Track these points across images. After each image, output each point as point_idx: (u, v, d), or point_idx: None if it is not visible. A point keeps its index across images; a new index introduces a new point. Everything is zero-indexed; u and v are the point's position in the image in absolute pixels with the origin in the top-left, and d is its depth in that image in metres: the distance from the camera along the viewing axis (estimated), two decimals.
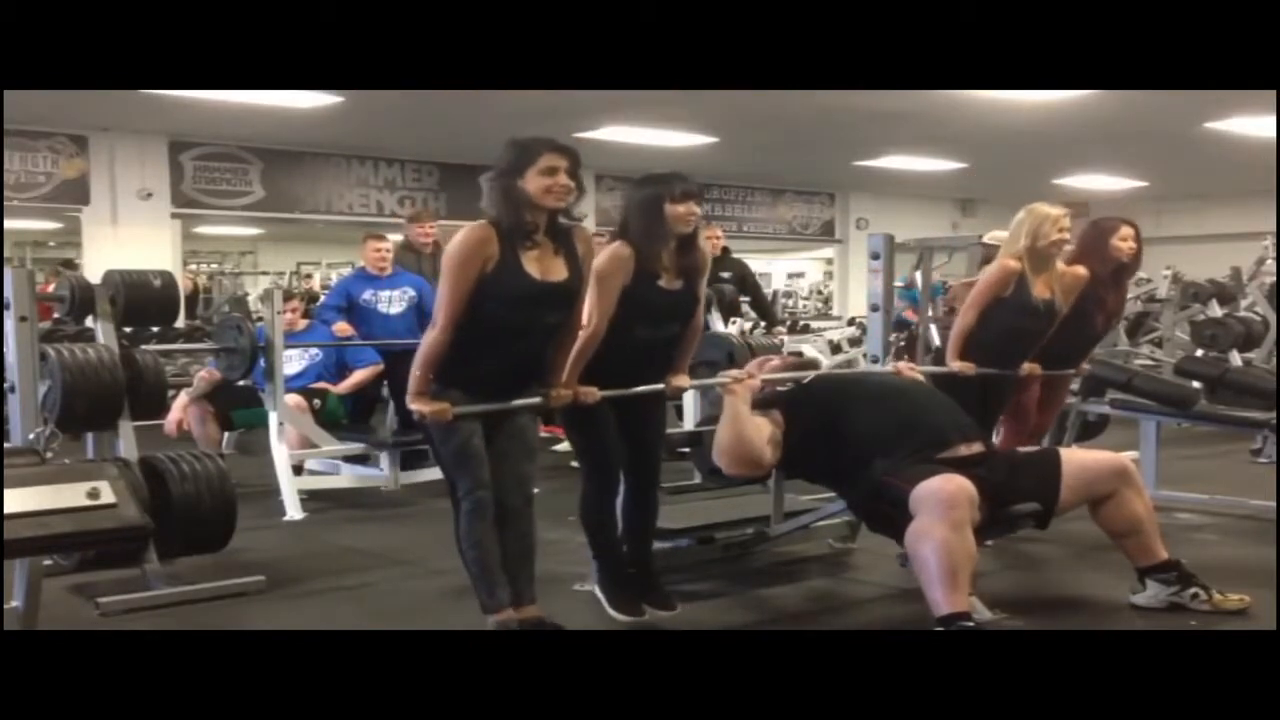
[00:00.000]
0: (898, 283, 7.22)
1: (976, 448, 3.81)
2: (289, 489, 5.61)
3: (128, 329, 5.64)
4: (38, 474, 3.42)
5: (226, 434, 6.60)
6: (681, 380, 3.77)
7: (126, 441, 4.23)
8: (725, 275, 7.26)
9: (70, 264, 12.32)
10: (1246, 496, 5.46)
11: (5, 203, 9.49)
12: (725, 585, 4.25)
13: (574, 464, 6.06)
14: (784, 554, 4.63)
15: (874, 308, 4.82)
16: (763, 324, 8.37)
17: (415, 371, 3.26)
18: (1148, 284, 10.02)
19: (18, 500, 3.20)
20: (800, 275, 20.52)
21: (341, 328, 6.51)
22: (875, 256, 4.74)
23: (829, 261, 17.84)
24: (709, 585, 4.22)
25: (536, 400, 3.42)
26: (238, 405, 6.30)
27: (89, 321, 4.73)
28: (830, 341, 11.47)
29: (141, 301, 4.67)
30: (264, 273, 17.51)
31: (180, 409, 6.34)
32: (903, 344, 8.19)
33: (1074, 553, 4.56)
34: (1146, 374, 6.05)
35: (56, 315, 5.45)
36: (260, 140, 10.98)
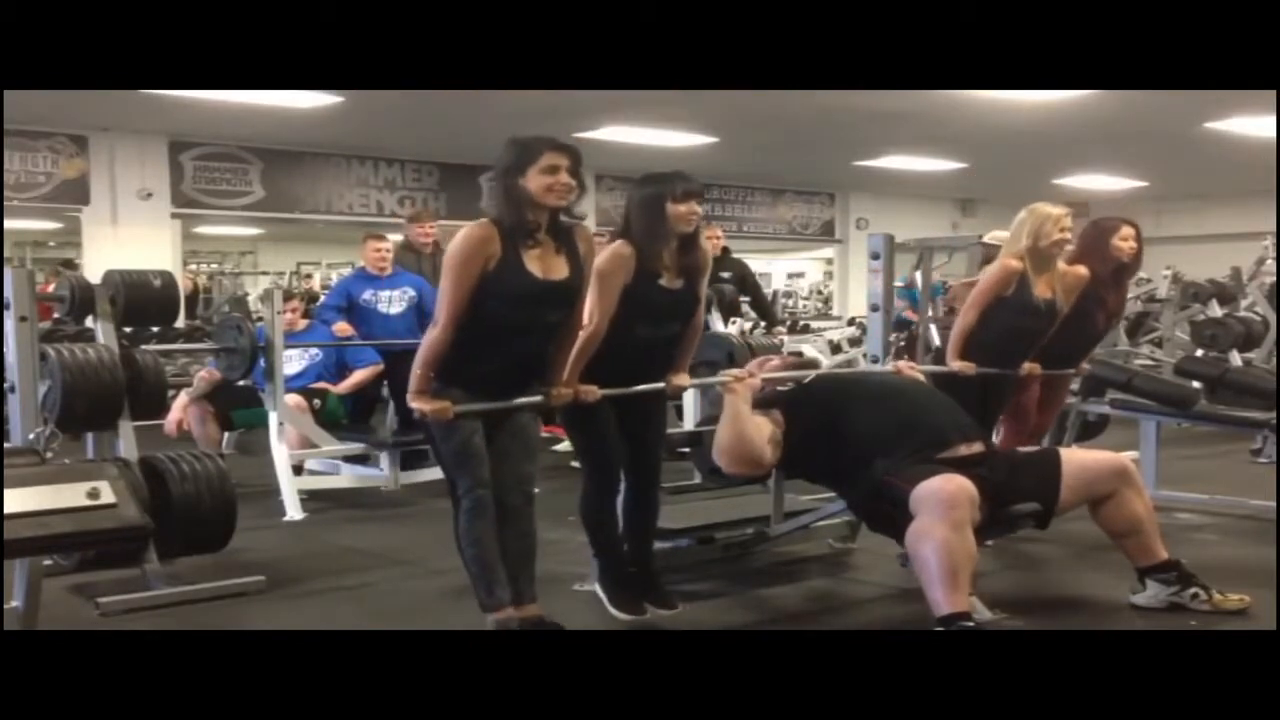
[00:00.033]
0: (898, 283, 7.22)
1: (977, 448, 3.81)
2: (289, 489, 5.61)
3: (128, 329, 5.64)
4: (38, 474, 3.42)
5: (226, 434, 6.60)
6: (682, 379, 3.77)
7: (126, 441, 4.23)
8: (725, 275, 7.26)
9: (70, 264, 12.32)
10: (1246, 496, 5.46)
11: (5, 203, 9.49)
12: (725, 585, 4.25)
13: (574, 464, 6.07)
14: (784, 554, 4.63)
15: (874, 308, 4.82)
16: (763, 324, 8.37)
17: (416, 370, 3.26)
18: (1148, 284, 10.02)
19: (18, 500, 3.20)
20: (800, 275, 20.52)
21: (341, 328, 6.51)
22: (875, 256, 4.74)
23: (829, 261, 17.84)
24: (709, 585, 4.22)
25: (537, 399, 3.42)
26: (238, 405, 6.30)
27: (89, 321, 4.73)
28: (830, 341, 11.48)
29: (141, 301, 4.67)
30: (264, 273, 17.51)
31: (180, 409, 6.34)
32: (903, 344, 8.19)
33: (1074, 553, 4.56)
34: (1146, 374, 6.05)
35: (56, 315, 5.45)
36: (260, 140, 10.98)
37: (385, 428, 6.65)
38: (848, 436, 3.79)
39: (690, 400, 6.00)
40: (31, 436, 3.87)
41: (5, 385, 3.92)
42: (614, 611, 3.71)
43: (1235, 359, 8.76)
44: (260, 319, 6.20)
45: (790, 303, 16.81)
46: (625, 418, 3.65)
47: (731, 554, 4.41)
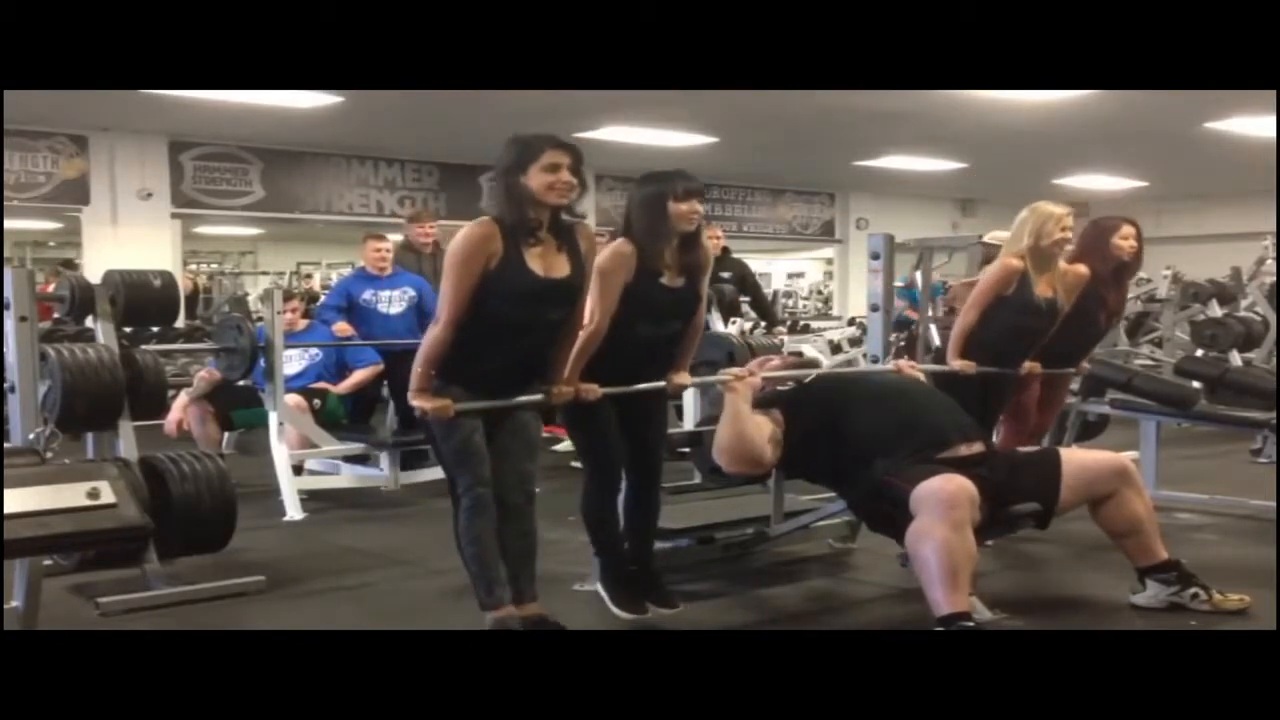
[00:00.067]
0: (898, 283, 7.22)
1: (977, 448, 3.81)
2: (289, 489, 5.61)
3: (128, 329, 5.64)
4: (38, 474, 3.42)
5: (226, 434, 6.60)
6: (683, 378, 3.77)
7: (126, 441, 4.23)
8: (725, 275, 7.26)
9: (70, 264, 12.32)
10: (1246, 496, 5.46)
11: (5, 203, 9.49)
12: (725, 585, 4.25)
13: (574, 464, 6.07)
14: (784, 554, 4.63)
15: (874, 308, 4.82)
16: (763, 324, 8.37)
17: (417, 368, 3.27)
18: (1148, 284, 10.03)
19: (18, 500, 3.21)
20: (800, 275, 20.52)
21: (341, 328, 6.51)
22: (875, 256, 4.74)
23: (829, 261, 17.84)
24: (709, 585, 4.22)
25: (538, 397, 3.42)
26: (238, 405, 6.30)
27: (89, 321, 4.73)
28: (830, 341, 11.47)
29: (141, 301, 4.67)
30: (264, 273, 17.51)
31: (180, 409, 6.34)
32: (903, 344, 8.19)
33: (1074, 553, 4.56)
34: (1146, 374, 6.05)
35: (56, 315, 5.45)
36: (260, 140, 10.98)
37: (385, 428, 6.65)
38: (848, 436, 3.79)
39: (690, 400, 6.00)
40: (31, 436, 3.87)
41: (5, 385, 3.92)
42: (615, 610, 3.71)
43: (1235, 359, 8.76)
44: (260, 319, 6.20)
45: (790, 303, 16.81)
46: (626, 417, 3.65)
47: (731, 554, 4.41)
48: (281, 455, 5.64)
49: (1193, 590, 3.74)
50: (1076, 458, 3.89)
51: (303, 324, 6.55)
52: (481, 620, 3.37)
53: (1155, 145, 11.39)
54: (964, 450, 3.74)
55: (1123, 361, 6.56)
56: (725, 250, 7.75)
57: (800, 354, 9.44)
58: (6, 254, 12.91)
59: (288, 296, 6.55)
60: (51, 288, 5.88)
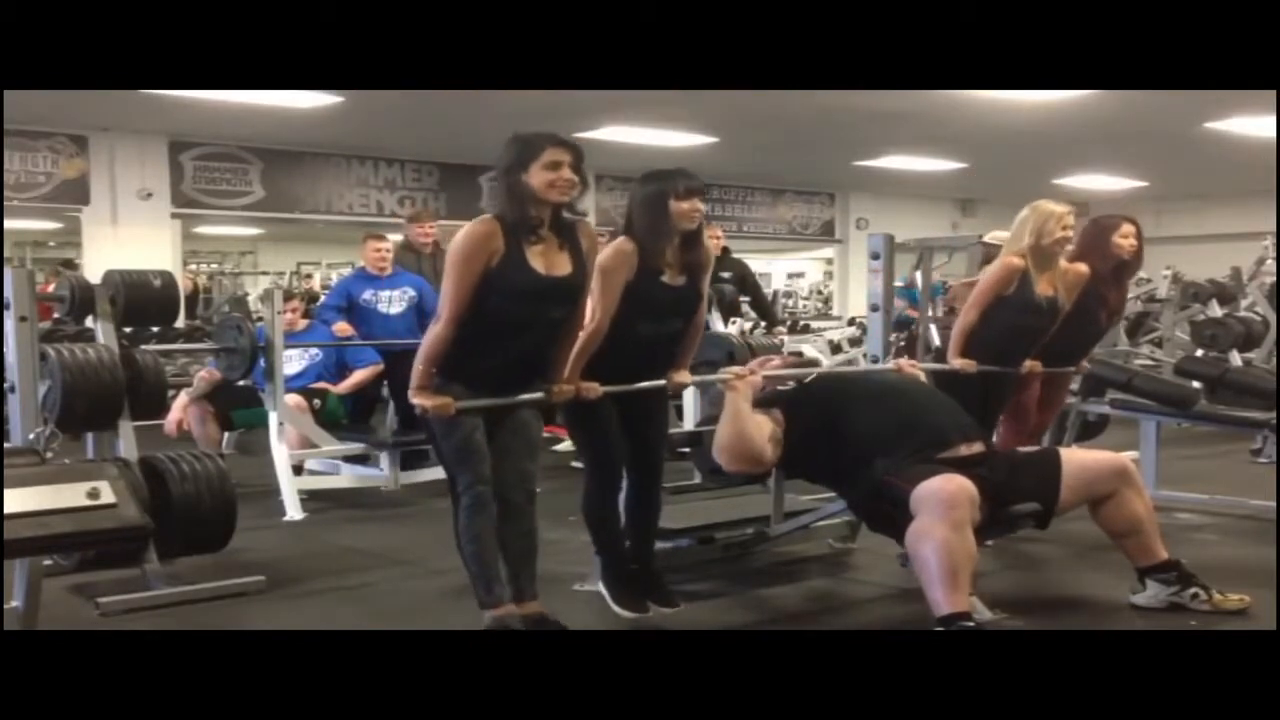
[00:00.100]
0: (898, 283, 7.23)
1: (977, 447, 3.81)
2: (289, 489, 5.61)
3: (128, 329, 5.64)
4: (38, 474, 3.42)
5: (226, 434, 6.60)
6: (683, 376, 3.77)
7: (126, 441, 4.23)
8: (725, 275, 7.26)
9: (70, 264, 12.32)
10: (1246, 496, 5.46)
11: (5, 203, 9.49)
12: (725, 585, 4.25)
13: (575, 464, 6.07)
14: (784, 554, 4.63)
15: (874, 308, 4.82)
16: (763, 324, 8.37)
17: (418, 366, 3.27)
18: (1148, 284, 10.03)
19: (18, 500, 3.21)
20: (800, 275, 20.53)
21: (341, 328, 6.51)
22: (875, 256, 4.74)
23: (829, 261, 17.84)
24: (709, 585, 4.22)
25: (539, 395, 3.42)
26: (238, 405, 6.30)
27: (89, 321, 4.73)
28: (830, 341, 11.48)
29: (141, 301, 4.66)
30: (264, 273, 17.51)
31: (180, 409, 6.34)
32: (903, 344, 8.19)
33: (1074, 553, 4.56)
34: (1146, 374, 6.06)
35: (56, 315, 5.45)
36: (260, 140, 10.98)
37: (385, 428, 6.65)
38: (848, 436, 3.79)
39: (690, 400, 6.00)
40: (31, 436, 3.87)
41: (5, 385, 3.92)
42: (617, 609, 3.71)
43: (1235, 359, 8.76)
44: (260, 319, 6.20)
45: (790, 303, 16.81)
46: (627, 416, 3.66)
47: (731, 554, 4.41)
48: (281, 455, 5.64)
49: (1193, 590, 3.74)
50: (1076, 458, 3.88)
51: (303, 324, 6.55)
52: (481, 620, 3.37)
53: (1155, 145, 11.39)
54: (964, 450, 3.74)
55: (1123, 361, 6.57)
56: (725, 250, 7.75)
57: (800, 354, 9.44)
58: (6, 254, 12.92)
59: (288, 296, 6.55)
60: (51, 288, 5.88)
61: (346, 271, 11.79)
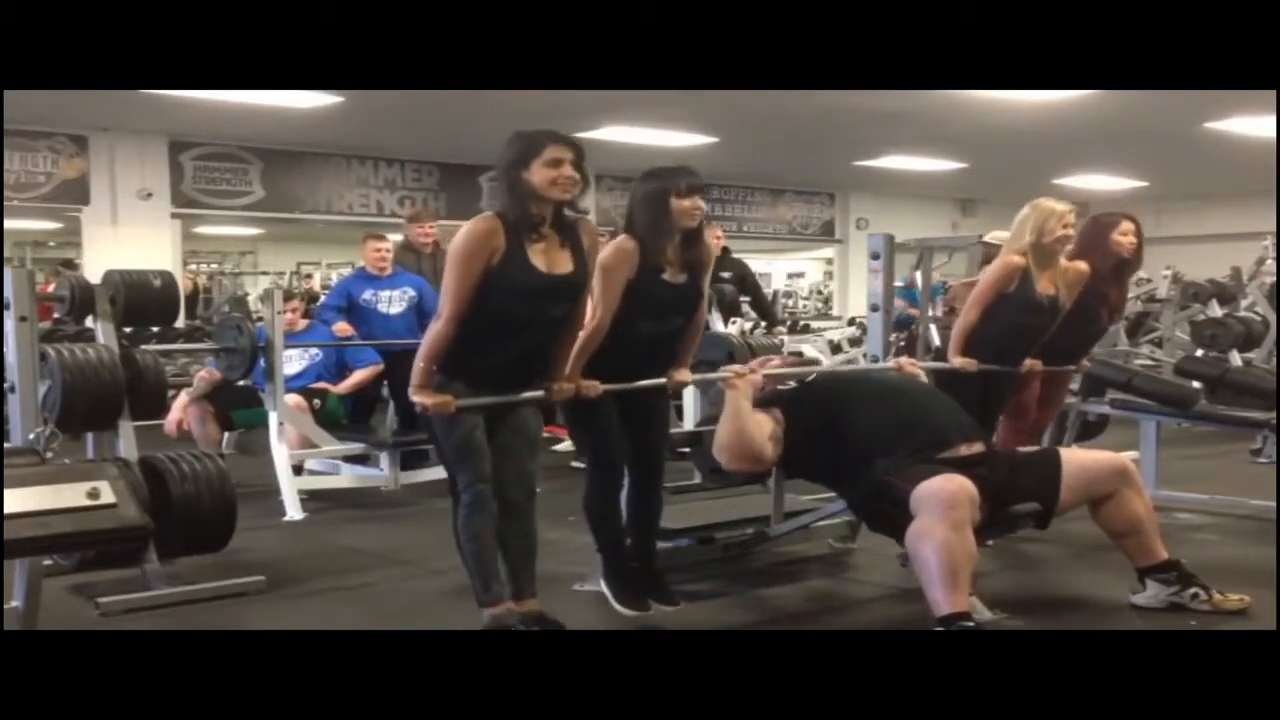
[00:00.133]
0: (897, 283, 7.23)
1: (977, 447, 3.81)
2: (289, 489, 5.61)
3: (128, 329, 5.64)
4: (38, 474, 3.43)
5: (226, 434, 6.60)
6: (684, 375, 3.77)
7: (126, 441, 4.23)
8: (725, 275, 7.27)
9: (70, 264, 12.32)
10: (1246, 496, 5.46)
11: (5, 203, 9.49)
12: (725, 585, 4.25)
13: (575, 464, 6.08)
14: (784, 554, 4.63)
15: (874, 308, 4.82)
16: (763, 324, 8.37)
17: (419, 364, 3.27)
18: (1148, 284, 10.03)
19: (18, 500, 3.21)
20: (800, 275, 20.53)
21: (341, 328, 6.51)
22: (875, 256, 4.75)
23: (829, 261, 17.84)
24: (709, 585, 4.22)
25: (539, 393, 3.42)
26: (238, 405, 6.30)
27: (89, 321, 4.73)
28: (830, 341, 11.48)
29: (141, 301, 4.66)
30: (264, 273, 17.52)
31: (180, 409, 6.34)
32: (903, 344, 8.20)
33: (1074, 553, 4.56)
34: (1146, 374, 6.06)
35: (56, 315, 5.45)
36: (260, 140, 10.98)
37: (385, 428, 6.65)
38: (848, 436, 3.79)
39: (690, 400, 6.00)
40: (31, 436, 3.87)
41: (5, 385, 3.92)
42: (618, 607, 3.71)
43: (1235, 359, 8.76)
44: (260, 319, 6.20)
45: (790, 303, 16.81)
46: (628, 414, 3.66)
47: (731, 554, 4.41)
48: (281, 455, 5.64)
49: (1193, 590, 3.74)
50: (1076, 458, 3.88)
51: (303, 324, 6.55)
52: (480, 619, 3.37)
53: (1155, 145, 11.38)
54: (964, 450, 3.74)
55: (1123, 361, 6.57)
56: (725, 250, 7.76)
57: (800, 354, 9.44)
58: (6, 254, 12.91)
59: (288, 296, 6.55)
60: (51, 288, 5.88)
61: (346, 271, 11.79)
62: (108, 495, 3.38)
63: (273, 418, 5.67)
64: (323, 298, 8.12)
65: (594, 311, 3.50)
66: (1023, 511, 3.71)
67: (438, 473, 5.40)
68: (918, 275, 7.44)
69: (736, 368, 3.94)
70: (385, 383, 6.68)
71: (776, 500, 4.28)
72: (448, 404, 3.24)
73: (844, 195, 15.62)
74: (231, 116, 9.42)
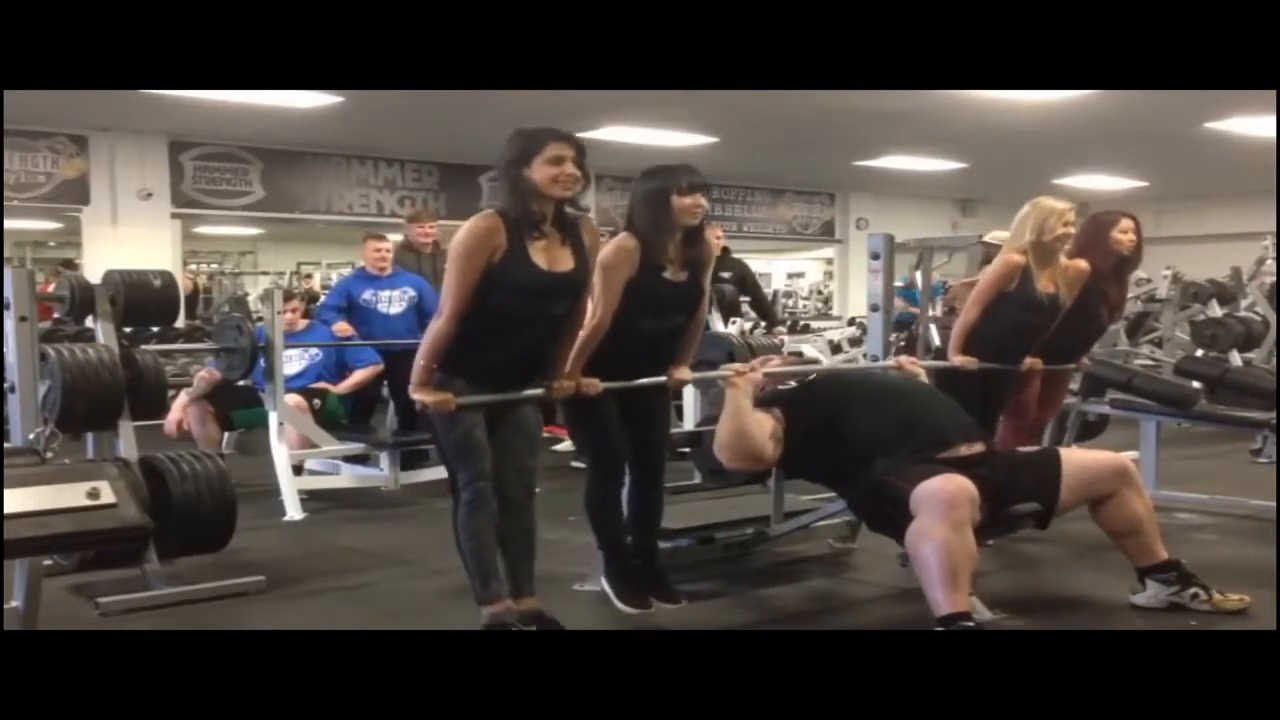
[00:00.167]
0: (897, 283, 7.23)
1: (977, 447, 3.81)
2: (289, 489, 5.61)
3: (128, 329, 5.64)
4: (38, 474, 3.43)
5: (226, 434, 6.60)
6: (684, 373, 3.77)
7: (126, 441, 4.23)
8: (725, 275, 7.27)
9: (70, 264, 12.32)
10: (1246, 496, 5.46)
11: (5, 203, 9.49)
12: (725, 585, 4.25)
13: (575, 464, 6.08)
14: (784, 554, 4.63)
15: (874, 308, 4.82)
16: (763, 324, 8.37)
17: (419, 361, 3.27)
18: (1148, 284, 10.03)
19: (18, 500, 3.21)
20: (800, 275, 20.53)
21: (341, 328, 6.51)
22: (875, 256, 4.75)
23: (829, 261, 17.84)
24: (709, 585, 4.22)
25: (539, 391, 3.42)
26: (238, 405, 6.30)
27: (89, 321, 4.72)
28: (830, 341, 11.48)
29: (141, 301, 4.66)
30: (264, 273, 17.52)
31: (180, 409, 6.34)
32: (903, 344, 8.20)
33: (1074, 553, 4.56)
34: (1146, 374, 6.06)
35: (56, 315, 5.45)
36: (260, 140, 10.98)
37: (385, 428, 6.65)
38: (848, 436, 3.79)
39: (690, 400, 6.00)
40: (31, 436, 3.87)
41: (5, 385, 3.92)
42: (620, 605, 3.71)
43: (1235, 359, 8.76)
44: (260, 319, 6.20)
45: (790, 303, 16.81)
46: (628, 412, 3.66)
47: (731, 554, 4.40)
48: (281, 455, 5.64)
49: (1193, 590, 3.74)
50: (1076, 458, 3.88)
51: (303, 324, 6.55)
52: (479, 617, 3.37)
53: (1155, 145, 11.38)
54: (964, 450, 3.74)
55: (1123, 361, 6.57)
56: (725, 250, 7.75)
57: (800, 354, 9.44)
58: (6, 254, 12.91)
59: (288, 296, 6.55)
60: (51, 288, 5.88)
61: (346, 271, 11.79)
62: (108, 495, 3.38)
63: (273, 418, 5.67)
64: (323, 298, 8.12)
65: (595, 309, 3.50)
66: (1023, 511, 3.71)
67: (438, 473, 5.40)
68: (918, 275, 7.45)
69: (737, 366, 3.94)
70: (385, 383, 6.69)
71: (776, 500, 4.28)
72: (448, 401, 3.24)
73: (844, 195, 15.62)
74: (231, 116, 9.42)
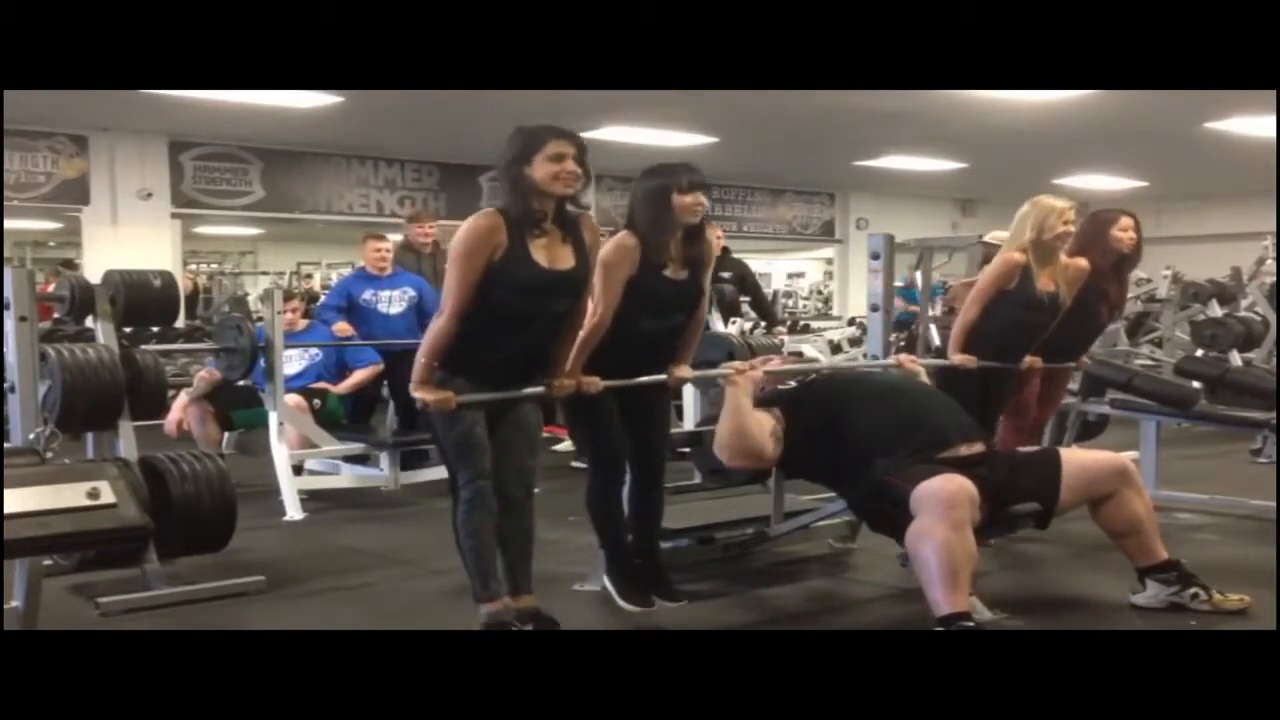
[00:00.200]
0: (897, 282, 7.23)
1: (977, 447, 3.81)
2: (289, 489, 5.61)
3: (128, 329, 5.64)
4: (38, 474, 3.43)
5: (226, 434, 6.60)
6: (684, 371, 3.77)
7: (126, 441, 4.23)
8: (725, 275, 7.26)
9: (70, 264, 12.32)
10: (1246, 496, 5.45)
11: (5, 203, 9.49)
12: (725, 585, 4.25)
13: (575, 464, 6.08)
14: (784, 554, 4.63)
15: (874, 308, 4.82)
16: (763, 324, 8.37)
17: (420, 359, 3.27)
18: (1148, 284, 10.03)
19: (18, 500, 3.21)
20: (800, 275, 20.53)
21: (341, 328, 6.51)
22: (875, 256, 4.75)
23: (829, 261, 17.85)
24: (709, 585, 4.22)
25: (540, 389, 3.42)
26: (238, 405, 6.30)
27: (89, 321, 4.72)
28: (830, 341, 11.48)
29: (141, 301, 4.66)
30: (264, 273, 17.52)
31: (180, 409, 6.34)
32: (903, 343, 8.20)
33: (1074, 553, 4.56)
34: (1146, 374, 6.06)
35: (56, 315, 5.45)
36: (260, 140, 10.98)
37: (385, 428, 6.65)
38: (848, 436, 3.79)
39: (690, 400, 6.00)
40: (31, 436, 3.87)
41: (5, 385, 3.92)
42: (622, 603, 3.71)
43: (1235, 359, 8.76)
44: (260, 319, 6.20)
45: (790, 303, 16.82)
46: (628, 410, 3.66)
47: (731, 554, 4.40)
48: (281, 455, 5.64)
49: (1193, 590, 3.74)
50: (1076, 458, 3.88)
51: (303, 324, 6.55)
52: (478, 616, 3.37)
53: (1155, 145, 11.39)
54: (964, 450, 3.74)
55: (1123, 361, 6.57)
56: (725, 250, 7.75)
57: (800, 354, 9.45)
58: (6, 254, 12.91)
59: (288, 296, 6.55)
60: (51, 288, 5.88)
61: (346, 271, 11.79)
62: (108, 495, 3.39)
63: (273, 418, 5.67)
64: (323, 298, 8.12)
65: (595, 308, 3.50)
66: (1023, 511, 3.71)
67: (438, 473, 5.40)
68: (918, 275, 7.45)
69: (737, 364, 3.94)
70: (385, 383, 6.68)
71: (776, 500, 4.28)
72: (449, 400, 3.24)
73: (844, 195, 15.62)
74: (231, 116, 9.42)
